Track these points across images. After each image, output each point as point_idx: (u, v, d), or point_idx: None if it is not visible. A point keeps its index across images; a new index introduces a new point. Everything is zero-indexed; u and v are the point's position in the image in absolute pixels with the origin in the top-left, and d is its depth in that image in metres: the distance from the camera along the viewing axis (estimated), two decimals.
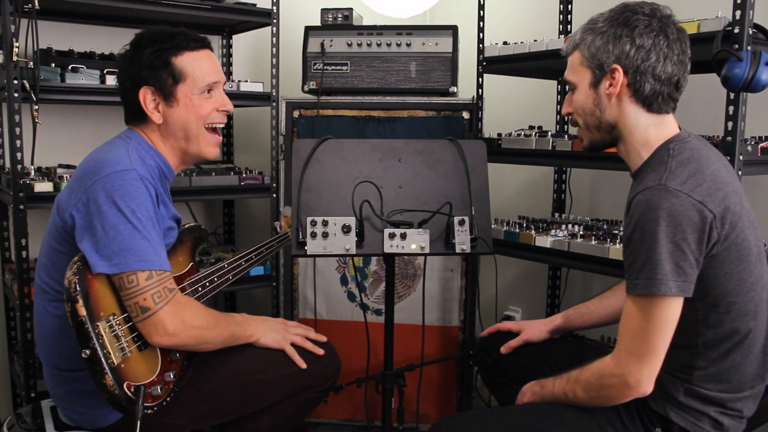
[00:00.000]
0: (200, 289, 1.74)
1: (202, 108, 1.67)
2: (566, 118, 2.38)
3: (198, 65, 1.66)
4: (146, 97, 1.62)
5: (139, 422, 1.40)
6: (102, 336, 1.38)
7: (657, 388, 1.41)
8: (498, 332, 1.99)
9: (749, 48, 1.69)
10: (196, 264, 1.78)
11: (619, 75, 1.45)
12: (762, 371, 1.48)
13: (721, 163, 1.46)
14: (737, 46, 1.70)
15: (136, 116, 1.67)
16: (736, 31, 1.70)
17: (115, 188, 1.47)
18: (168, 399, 1.51)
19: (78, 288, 1.37)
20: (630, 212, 1.40)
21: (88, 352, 1.36)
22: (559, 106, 2.75)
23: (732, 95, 1.74)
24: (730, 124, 1.75)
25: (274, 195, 2.70)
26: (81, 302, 1.36)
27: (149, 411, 1.45)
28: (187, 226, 1.79)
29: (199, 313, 1.57)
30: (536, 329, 1.93)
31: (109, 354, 1.38)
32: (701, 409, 1.45)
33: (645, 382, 1.38)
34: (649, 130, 1.48)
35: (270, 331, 1.76)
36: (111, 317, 1.42)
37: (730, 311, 1.40)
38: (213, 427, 1.80)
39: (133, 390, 1.41)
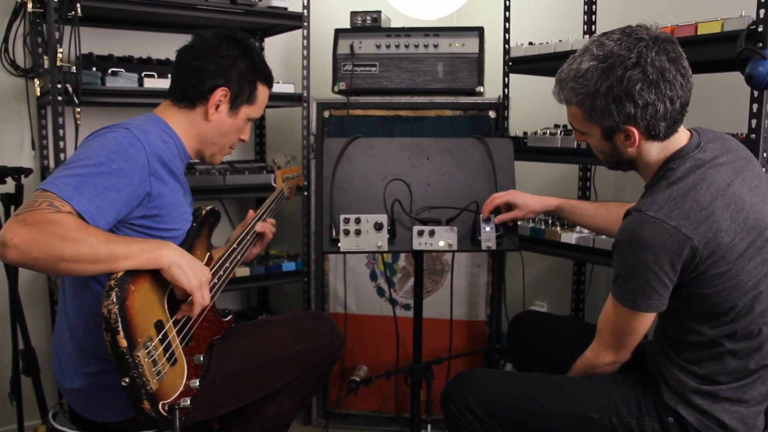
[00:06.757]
0: (216, 281, 1.65)
1: (240, 133, 1.80)
2: None
3: (262, 100, 1.81)
4: (219, 94, 1.69)
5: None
6: (141, 365, 1.34)
7: None
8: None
9: None
10: (211, 252, 1.71)
11: (634, 133, 1.45)
12: None
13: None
14: (761, 45, 1.71)
15: (186, 97, 1.69)
16: (760, 29, 1.72)
17: (100, 133, 1.50)
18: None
19: (118, 318, 1.31)
20: None
21: (127, 380, 1.33)
22: None
23: (756, 93, 1.76)
24: (754, 121, 1.78)
25: (305, 193, 2.77)
26: (122, 334, 1.31)
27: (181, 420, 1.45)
28: (202, 213, 1.70)
29: (62, 227, 1.27)
30: (529, 208, 1.91)
31: (148, 381, 1.35)
32: None
33: None
34: (660, 154, 1.50)
35: (187, 268, 1.44)
36: (148, 342, 1.38)
37: None
38: (229, 413, 1.81)
39: (167, 410, 1.40)
